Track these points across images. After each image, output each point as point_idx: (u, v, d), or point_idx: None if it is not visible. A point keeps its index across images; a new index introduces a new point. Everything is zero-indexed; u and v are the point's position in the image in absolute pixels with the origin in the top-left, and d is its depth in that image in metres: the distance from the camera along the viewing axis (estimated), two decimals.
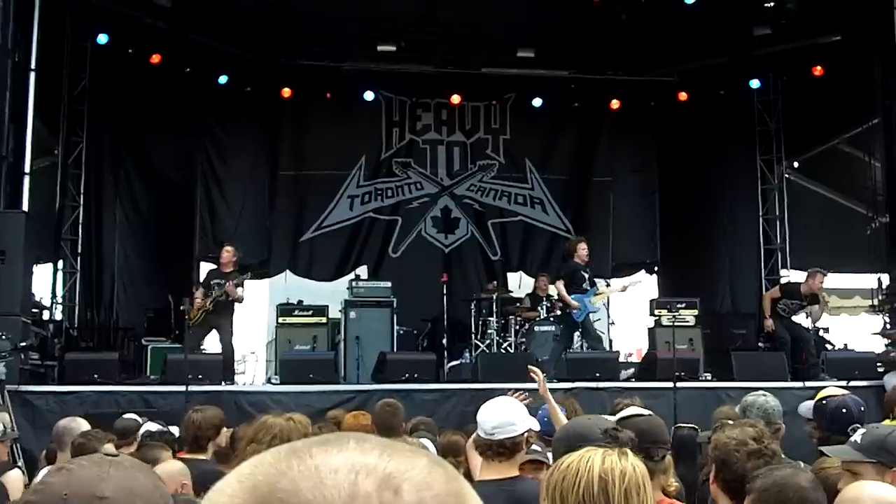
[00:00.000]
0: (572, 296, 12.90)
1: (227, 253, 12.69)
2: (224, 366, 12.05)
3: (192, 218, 15.88)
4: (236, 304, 12.43)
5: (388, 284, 14.27)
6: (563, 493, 2.42)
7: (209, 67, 15.53)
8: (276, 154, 16.68)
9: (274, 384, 12.34)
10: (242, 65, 15.88)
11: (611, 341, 15.77)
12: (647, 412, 4.29)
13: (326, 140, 16.71)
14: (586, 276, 13.11)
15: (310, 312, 13.65)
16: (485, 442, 4.27)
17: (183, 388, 10.60)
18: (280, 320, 13.51)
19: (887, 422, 6.61)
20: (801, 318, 13.68)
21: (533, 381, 5.92)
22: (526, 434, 4.32)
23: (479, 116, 17.59)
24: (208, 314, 12.30)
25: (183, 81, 15.33)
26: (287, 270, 16.41)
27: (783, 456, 4.25)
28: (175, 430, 6.47)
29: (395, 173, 17.20)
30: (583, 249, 13.25)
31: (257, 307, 15.51)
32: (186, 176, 16.14)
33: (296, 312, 13.65)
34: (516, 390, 5.34)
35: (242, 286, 12.27)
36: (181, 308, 11.99)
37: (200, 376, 11.35)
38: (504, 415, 4.26)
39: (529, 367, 6.12)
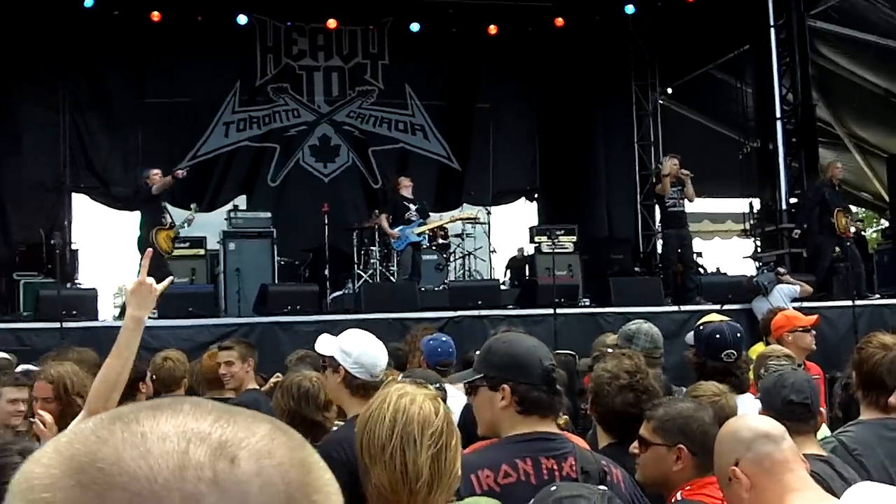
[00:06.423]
0: (397, 227, 13.12)
1: (157, 176, 12.25)
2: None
3: (58, 149, 15.17)
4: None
5: (268, 215, 14.03)
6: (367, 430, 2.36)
7: None
8: (144, 81, 16.00)
9: (152, 318, 12.00)
10: None
11: (492, 269, 15.95)
12: None
13: (198, 66, 16.11)
14: (412, 207, 13.28)
15: (187, 244, 13.31)
16: (372, 384, 4.03)
17: (57, 324, 10.31)
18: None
19: (760, 345, 6.82)
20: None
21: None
22: None
23: (356, 41, 17.27)
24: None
25: (46, 4, 14.57)
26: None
27: (665, 385, 4.35)
28: None
29: (271, 99, 16.81)
30: (407, 184, 13.49)
31: (129, 239, 15.04)
32: (48, 104, 15.36)
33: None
34: None
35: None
36: (51, 242, 11.54)
37: (75, 312, 11.03)
38: (382, 352, 4.09)
39: None
